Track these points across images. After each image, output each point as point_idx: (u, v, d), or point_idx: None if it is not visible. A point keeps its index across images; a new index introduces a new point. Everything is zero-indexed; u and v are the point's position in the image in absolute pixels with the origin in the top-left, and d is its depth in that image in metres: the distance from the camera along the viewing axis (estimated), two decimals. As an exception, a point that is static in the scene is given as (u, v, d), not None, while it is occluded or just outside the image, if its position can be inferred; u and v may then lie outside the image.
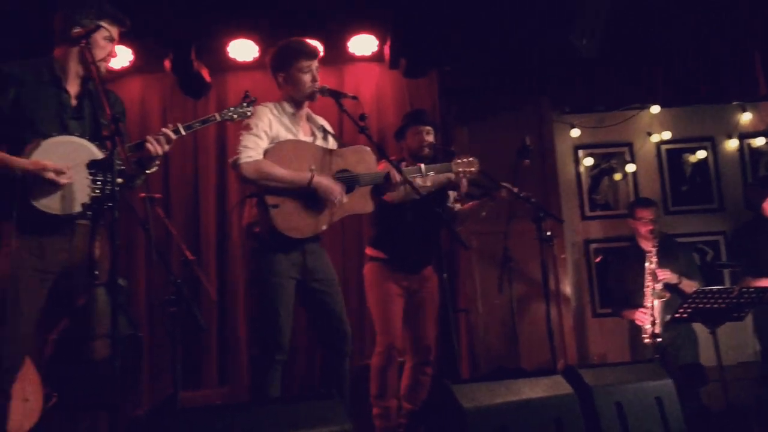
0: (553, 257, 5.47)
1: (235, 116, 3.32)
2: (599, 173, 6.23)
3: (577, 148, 6.23)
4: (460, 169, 3.99)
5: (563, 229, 5.69)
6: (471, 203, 4.39)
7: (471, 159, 4.02)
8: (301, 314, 3.54)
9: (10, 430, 3.20)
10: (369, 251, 4.37)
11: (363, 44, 5.46)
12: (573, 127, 6.19)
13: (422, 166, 3.88)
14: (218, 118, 3.25)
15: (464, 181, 4.09)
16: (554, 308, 5.36)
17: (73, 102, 2.99)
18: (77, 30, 2.92)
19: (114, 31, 3.01)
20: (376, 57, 5.57)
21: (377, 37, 5.42)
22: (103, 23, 2.96)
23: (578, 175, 6.21)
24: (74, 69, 2.99)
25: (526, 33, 4.98)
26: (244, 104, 3.35)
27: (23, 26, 4.47)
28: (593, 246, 6.10)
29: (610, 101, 6.11)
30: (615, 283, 5.23)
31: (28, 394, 4.24)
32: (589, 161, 6.21)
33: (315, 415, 2.18)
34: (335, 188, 3.42)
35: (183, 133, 3.03)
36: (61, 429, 3.06)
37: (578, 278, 6.02)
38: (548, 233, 4.27)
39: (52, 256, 2.88)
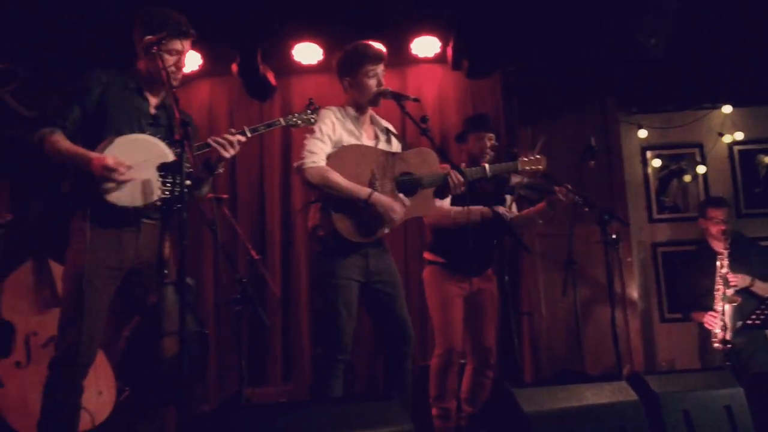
0: (618, 261, 5.36)
1: (300, 122, 3.39)
2: (668, 175, 6.08)
3: (644, 149, 6.10)
4: (527, 168, 3.94)
5: (629, 232, 5.58)
6: (527, 210, 4.33)
7: (538, 157, 3.96)
8: (365, 315, 3.58)
9: (85, 420, 3.34)
10: (427, 255, 4.37)
11: (426, 46, 5.47)
12: (641, 127, 6.06)
13: (486, 166, 3.86)
14: (283, 122, 3.34)
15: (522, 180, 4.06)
16: (620, 312, 5.26)
17: (152, 111, 3.16)
18: (148, 38, 3.05)
19: (179, 44, 3.11)
20: (439, 58, 5.56)
21: (440, 38, 5.41)
22: (169, 37, 3.06)
23: (646, 176, 6.08)
24: (153, 80, 3.14)
25: (592, 31, 4.90)
26: (309, 111, 3.42)
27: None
28: (661, 249, 5.96)
29: (679, 101, 5.96)
30: (684, 284, 5.10)
31: (102, 388, 4.42)
32: (657, 162, 6.07)
33: (376, 415, 2.20)
34: (394, 206, 3.42)
35: (249, 135, 3.13)
36: (132, 421, 3.17)
37: (645, 282, 5.90)
38: (613, 236, 4.19)
39: (121, 254, 3.01)
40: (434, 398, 4.14)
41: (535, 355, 5.30)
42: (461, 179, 3.54)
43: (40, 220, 4.94)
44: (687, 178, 6.06)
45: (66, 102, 3.02)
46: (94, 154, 2.90)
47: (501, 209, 4.14)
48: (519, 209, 4.42)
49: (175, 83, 3.06)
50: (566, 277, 4.66)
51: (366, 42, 3.73)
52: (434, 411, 4.15)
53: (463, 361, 4.27)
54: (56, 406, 2.92)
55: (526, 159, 3.94)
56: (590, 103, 5.73)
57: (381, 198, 3.41)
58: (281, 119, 3.34)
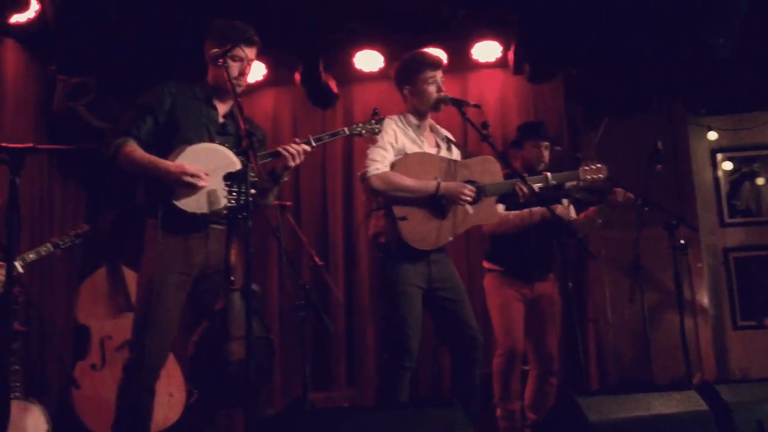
0: (687, 266, 5.22)
1: (364, 132, 3.41)
2: (740, 178, 5.89)
3: (714, 151, 5.92)
4: (588, 177, 3.93)
5: (699, 236, 5.43)
6: (585, 212, 4.28)
7: (599, 165, 3.94)
8: (427, 321, 3.59)
9: (156, 421, 3.45)
10: (486, 264, 4.37)
11: (487, 51, 5.43)
12: (710, 129, 5.88)
13: (549, 175, 3.85)
14: (347, 132, 3.37)
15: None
16: (689, 319, 5.12)
17: (221, 120, 3.26)
18: (214, 50, 3.17)
19: (242, 51, 3.19)
20: (500, 63, 5.53)
21: (501, 42, 5.37)
22: (233, 44, 3.16)
23: (716, 180, 5.90)
24: (221, 89, 3.24)
25: (658, 32, 4.80)
26: (373, 121, 3.44)
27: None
28: (733, 255, 5.77)
29: (750, 101, 5.76)
30: (758, 290, 4.94)
31: (173, 390, 4.55)
32: (728, 165, 5.89)
33: (439, 421, 2.21)
34: (463, 188, 3.45)
35: (313, 145, 3.21)
36: (201, 424, 3.26)
37: (717, 288, 5.72)
38: (682, 241, 4.10)
39: (190, 260, 3.11)
40: (498, 399, 4.14)
41: (600, 363, 5.19)
42: (526, 191, 3.54)
43: (112, 229, 5.13)
44: (760, 181, 5.86)
45: (139, 113, 3.14)
46: (170, 163, 3.02)
47: (559, 208, 4.13)
48: (577, 212, 4.37)
49: (239, 89, 3.16)
50: (633, 282, 4.57)
51: (423, 50, 3.76)
52: (498, 412, 4.14)
53: (525, 367, 4.25)
54: (130, 407, 3.02)
55: (587, 168, 3.92)
56: (657, 106, 5.59)
57: (449, 185, 3.44)
58: (345, 129, 3.38)
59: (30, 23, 4.41)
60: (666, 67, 5.24)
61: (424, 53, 3.71)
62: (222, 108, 3.28)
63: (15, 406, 3.78)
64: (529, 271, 4.17)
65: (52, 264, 4.72)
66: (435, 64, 3.59)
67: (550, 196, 4.15)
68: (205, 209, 3.06)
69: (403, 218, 3.39)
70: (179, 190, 3.02)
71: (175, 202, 3.02)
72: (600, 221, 4.21)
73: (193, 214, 3.05)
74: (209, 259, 3.16)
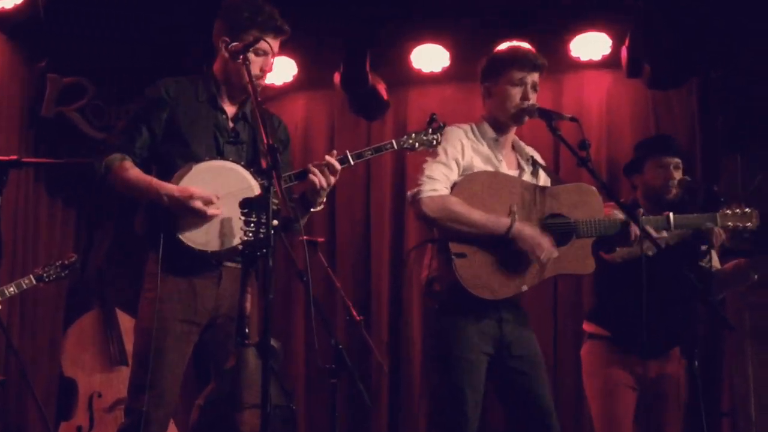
0: None
1: (417, 145, 3.47)
2: None
3: None
4: (729, 223, 3.91)
5: None
6: (735, 261, 4.25)
7: (747, 210, 3.94)
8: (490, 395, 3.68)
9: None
10: (587, 326, 4.39)
11: (590, 45, 5.47)
12: None
13: (671, 215, 3.85)
14: (395, 146, 3.45)
15: (720, 233, 3.94)
16: None
17: (231, 124, 3.46)
18: (234, 45, 3.33)
19: (271, 44, 3.37)
20: (608, 62, 5.54)
21: (610, 35, 5.40)
22: (258, 34, 3.31)
23: None
24: (232, 87, 3.45)
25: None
26: (430, 131, 3.50)
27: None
28: None
29: None
30: None
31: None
32: None
33: None
34: (543, 241, 3.45)
35: (352, 162, 3.35)
36: None
37: None
38: None
39: (198, 304, 3.33)
40: None
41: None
42: (638, 233, 3.53)
43: (105, 262, 5.42)
44: None
45: (132, 124, 3.38)
46: (173, 186, 3.24)
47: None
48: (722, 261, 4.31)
49: (258, 90, 3.28)
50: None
51: (520, 45, 3.88)
52: None
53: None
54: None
55: (729, 212, 3.92)
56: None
57: (524, 230, 3.44)
58: (393, 142, 3.46)
59: (17, 9, 4.70)
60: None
61: (522, 48, 3.83)
62: (231, 109, 3.46)
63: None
64: (645, 341, 3.75)
65: (35, 300, 5.06)
66: (528, 62, 3.60)
67: (686, 242, 4.08)
68: (216, 246, 3.27)
69: (462, 255, 3.41)
70: (185, 219, 3.22)
71: (180, 236, 3.24)
72: (755, 276, 4.19)
73: (202, 251, 3.26)
74: (220, 304, 3.37)
